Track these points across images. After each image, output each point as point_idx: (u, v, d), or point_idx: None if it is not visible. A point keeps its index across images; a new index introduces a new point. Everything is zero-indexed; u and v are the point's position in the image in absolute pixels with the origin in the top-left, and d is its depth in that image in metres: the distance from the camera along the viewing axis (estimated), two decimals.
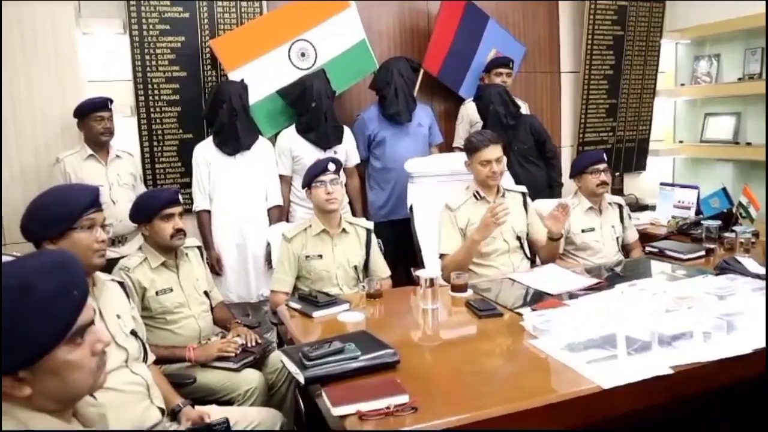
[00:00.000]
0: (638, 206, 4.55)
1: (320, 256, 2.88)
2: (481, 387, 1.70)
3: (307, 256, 2.87)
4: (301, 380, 1.72)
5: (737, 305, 2.04)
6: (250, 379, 2.43)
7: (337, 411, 1.54)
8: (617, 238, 3.32)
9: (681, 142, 5.42)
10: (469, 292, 2.51)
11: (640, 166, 5.30)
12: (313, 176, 2.85)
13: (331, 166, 2.88)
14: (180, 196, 2.64)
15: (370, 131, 3.87)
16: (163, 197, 2.60)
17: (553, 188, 4.02)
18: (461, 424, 1.50)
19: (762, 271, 2.44)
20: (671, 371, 1.70)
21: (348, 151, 3.80)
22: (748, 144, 4.87)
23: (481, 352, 1.95)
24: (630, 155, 5.22)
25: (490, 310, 2.22)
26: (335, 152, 3.68)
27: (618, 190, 4.84)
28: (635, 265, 3.03)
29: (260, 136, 3.62)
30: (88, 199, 1.99)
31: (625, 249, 3.42)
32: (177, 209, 2.59)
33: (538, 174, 4.02)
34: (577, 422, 1.64)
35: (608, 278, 2.63)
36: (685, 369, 1.73)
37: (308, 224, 2.94)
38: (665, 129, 5.49)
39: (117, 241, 3.38)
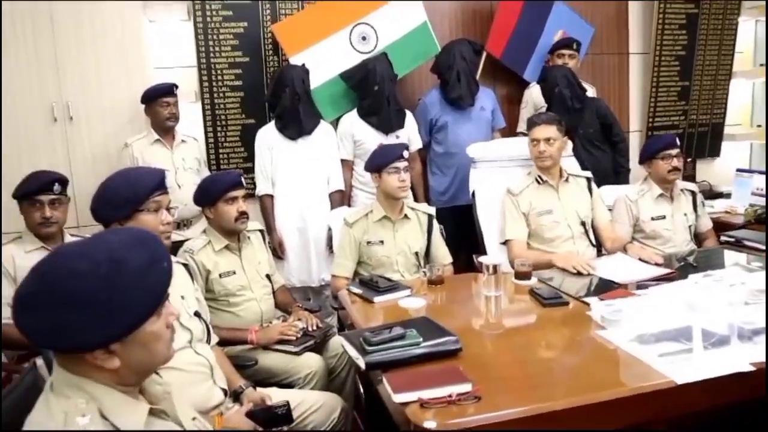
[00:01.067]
0: (712, 194, 4.34)
1: (381, 242, 2.87)
2: (545, 378, 1.65)
3: (368, 242, 2.86)
4: (362, 365, 1.70)
5: None
6: (311, 362, 2.44)
7: (399, 398, 1.52)
8: (689, 227, 3.16)
9: (759, 126, 5.15)
10: (534, 280, 2.45)
11: (714, 151, 5.05)
12: (387, 162, 2.82)
13: (405, 153, 2.86)
14: (243, 180, 2.66)
15: (432, 115, 3.81)
16: (226, 180, 2.63)
17: (620, 174, 3.87)
18: (526, 415, 1.46)
19: None
20: (752, 368, 1.60)
21: (410, 135, 3.75)
22: None
23: (546, 342, 1.89)
24: (703, 140, 4.98)
25: (555, 299, 2.16)
26: (397, 136, 3.65)
27: (690, 177, 4.62)
28: (709, 255, 2.89)
29: (322, 121, 3.61)
30: (155, 182, 2.02)
31: (698, 238, 3.26)
32: (240, 192, 2.61)
33: (604, 159, 3.88)
34: (648, 418, 1.57)
35: (680, 268, 2.52)
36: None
37: (370, 210, 2.92)
38: (742, 112, 5.22)
39: (182, 224, 3.45)
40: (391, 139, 3.58)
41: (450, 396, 1.50)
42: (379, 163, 2.86)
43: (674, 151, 3.06)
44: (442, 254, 2.99)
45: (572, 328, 1.99)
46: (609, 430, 1.52)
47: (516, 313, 2.20)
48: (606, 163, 3.89)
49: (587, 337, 1.88)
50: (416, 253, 2.92)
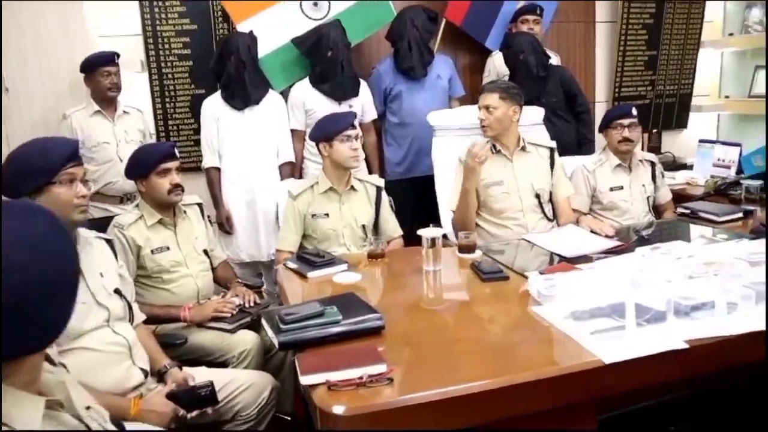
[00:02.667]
0: (675, 165, 4.26)
1: (327, 215, 2.75)
2: (471, 357, 1.55)
3: (313, 215, 2.74)
4: (276, 345, 1.59)
5: None
6: (246, 340, 2.32)
7: (306, 380, 1.42)
8: (648, 198, 3.08)
9: (727, 97, 5.06)
10: (478, 253, 2.34)
11: (681, 123, 4.97)
12: (338, 130, 2.70)
13: (356, 121, 2.73)
14: (177, 151, 2.52)
15: (386, 85, 3.67)
16: (158, 151, 2.48)
17: (583, 145, 3.75)
18: (441, 398, 1.35)
19: None
20: (686, 345, 1.51)
21: (364, 105, 3.61)
22: None
23: (479, 319, 1.79)
24: (670, 111, 4.89)
25: (495, 274, 2.05)
26: (350, 105, 3.51)
27: (655, 148, 4.55)
28: (665, 228, 2.80)
29: (271, 90, 3.46)
30: (68, 152, 1.88)
31: (658, 210, 3.18)
32: (174, 164, 2.46)
33: (568, 130, 3.76)
34: (575, 399, 1.48)
35: (635, 241, 2.43)
36: (703, 344, 1.54)
37: (315, 181, 2.80)
38: (710, 83, 5.13)
39: (125, 198, 3.31)
40: (344, 108, 3.44)
41: (361, 378, 1.39)
42: (328, 131, 2.73)
43: (626, 121, 2.95)
44: (392, 227, 2.88)
45: (509, 304, 1.90)
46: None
47: (454, 289, 2.10)
48: (570, 134, 3.78)
49: (522, 314, 1.78)
50: (363, 226, 2.81)
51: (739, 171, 3.51)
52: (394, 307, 1.92)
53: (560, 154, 3.31)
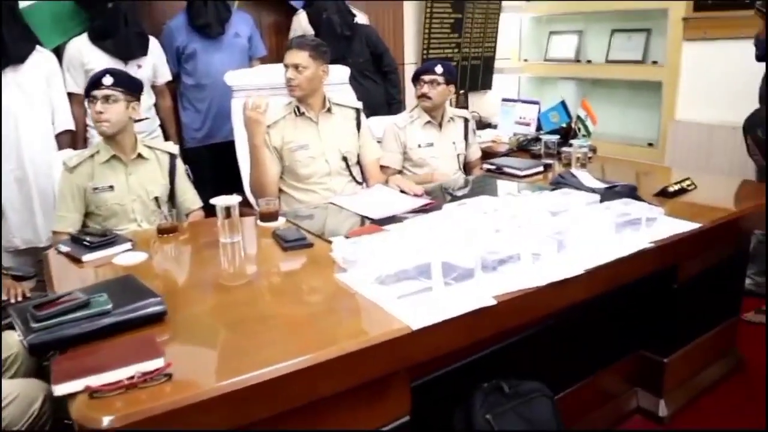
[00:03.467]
0: (481, 125, 4.36)
1: (111, 188, 2.39)
2: (271, 336, 1.36)
3: (95, 188, 2.37)
4: (26, 347, 1.29)
5: (569, 222, 1.82)
6: (10, 343, 1.93)
7: (61, 389, 1.13)
8: (458, 156, 3.07)
9: (526, 60, 5.33)
10: (281, 221, 2.15)
11: (486, 84, 5.12)
12: (87, 90, 2.32)
13: (107, 79, 2.31)
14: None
15: (179, 43, 3.30)
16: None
17: (392, 106, 3.69)
18: (230, 390, 1.15)
19: (598, 184, 2.28)
20: (494, 302, 1.44)
21: (156, 65, 3.22)
22: (589, 62, 4.88)
23: (280, 292, 1.59)
24: (476, 73, 5.01)
25: (297, 241, 1.87)
26: (139, 66, 3.11)
27: (462, 108, 4.62)
28: (473, 184, 2.80)
29: (39, 47, 2.95)
30: None
31: (468, 168, 3.20)
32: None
33: (376, 90, 3.68)
34: (386, 369, 1.35)
35: (444, 198, 2.38)
36: (511, 297, 1.49)
37: (96, 150, 2.42)
38: (511, 47, 5.34)
39: None
40: (131, 69, 3.03)
41: (132, 378, 1.15)
42: (86, 88, 2.36)
43: (427, 77, 2.91)
44: (190, 198, 2.59)
45: (312, 273, 1.73)
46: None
47: (254, 262, 1.88)
48: (378, 95, 3.70)
49: (326, 283, 1.61)
50: (156, 199, 2.48)
51: (539, 128, 3.64)
52: (185, 287, 1.67)
53: (369, 115, 3.22)
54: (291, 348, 1.28)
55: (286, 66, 2.59)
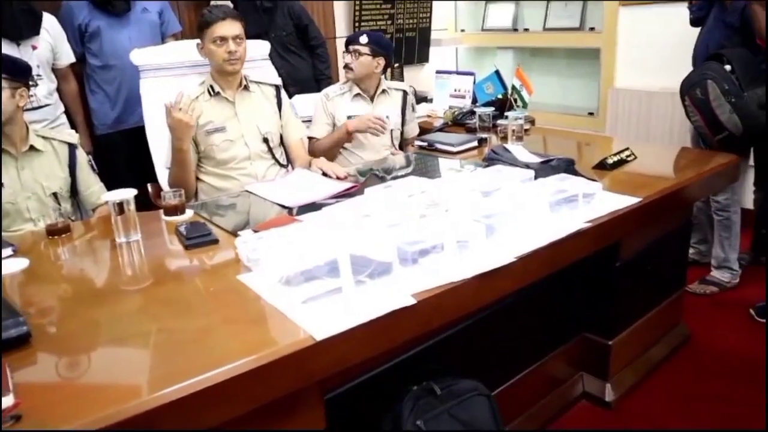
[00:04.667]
0: (417, 99, 4.15)
1: (0, 185, 2.12)
2: (145, 359, 1.14)
3: None
4: None
5: (501, 203, 1.66)
6: None
7: None
8: (392, 131, 2.88)
9: (463, 30, 5.16)
10: (188, 214, 1.93)
11: (423, 57, 4.92)
12: None
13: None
14: None
15: (80, 20, 2.99)
16: None
17: (321, 82, 3.46)
18: (95, 428, 0.94)
19: (533, 159, 2.13)
20: (413, 301, 1.27)
21: (55, 45, 2.91)
22: (526, 30, 4.74)
23: (170, 301, 1.37)
24: (411, 45, 4.81)
25: (200, 238, 1.65)
26: (34, 47, 2.80)
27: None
28: (403, 164, 2.62)
29: None
30: None
31: (404, 145, 3.02)
32: None
33: (302, 66, 3.45)
34: (292, 385, 1.16)
35: (368, 180, 2.20)
36: (433, 295, 1.31)
37: None
38: (448, 17, 5.16)
39: None
40: (26, 51, 2.73)
41: None
42: None
43: (351, 47, 2.75)
44: (96, 192, 2.33)
45: (213, 275, 1.52)
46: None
47: (151, 264, 1.64)
48: (304, 70, 3.48)
49: (226, 287, 1.40)
50: (55, 195, 2.23)
51: (474, 100, 3.48)
52: (66, 299, 1.44)
53: (297, 92, 3.01)
54: (178, 370, 1.07)
55: (224, 38, 2.34)
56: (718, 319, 2.72)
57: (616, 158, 2.24)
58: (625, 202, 1.84)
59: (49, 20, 2.89)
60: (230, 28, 2.36)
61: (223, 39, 2.35)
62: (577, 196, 1.75)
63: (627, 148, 2.34)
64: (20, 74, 2.13)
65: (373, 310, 1.21)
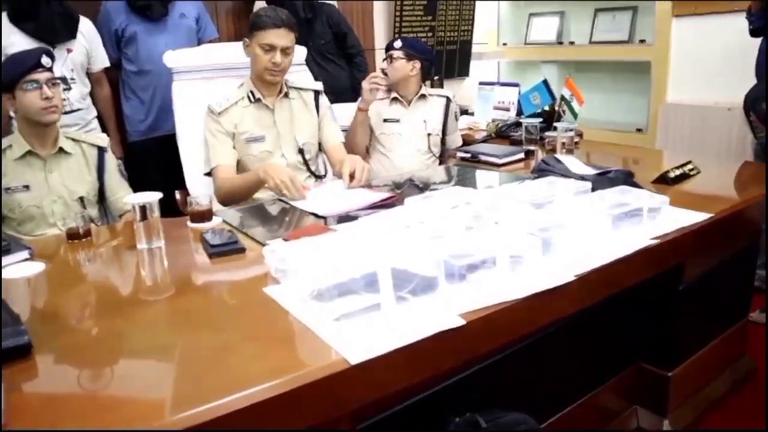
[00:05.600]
0: (460, 113, 4.04)
1: (27, 188, 2.06)
2: (157, 379, 1.01)
3: (7, 189, 2.04)
4: None
5: (556, 216, 1.50)
6: None
7: None
8: (429, 135, 2.77)
9: (505, 44, 5.02)
10: (216, 221, 1.81)
11: (464, 71, 4.79)
12: (19, 74, 1.97)
13: (46, 60, 2.02)
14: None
15: (117, 25, 2.93)
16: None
17: (358, 91, 3.35)
18: None
19: (588, 171, 1.96)
20: (462, 321, 1.11)
21: (90, 50, 2.85)
22: (572, 43, 4.59)
23: (189, 315, 1.24)
24: (452, 59, 4.68)
25: (225, 246, 1.53)
26: (69, 50, 2.75)
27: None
28: (444, 175, 2.48)
29: None
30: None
31: (446, 157, 2.90)
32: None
33: (340, 74, 3.35)
34: (323, 415, 1.01)
35: (407, 190, 2.06)
36: (483, 315, 1.16)
37: (8, 145, 2.08)
38: (489, 31, 5.03)
39: None
40: (60, 54, 2.68)
41: None
42: (9, 76, 2.00)
43: (387, 53, 2.75)
44: (123, 198, 2.24)
45: (239, 286, 1.39)
46: None
47: (174, 273, 1.51)
48: (343, 79, 3.38)
49: (252, 299, 1.27)
50: (81, 199, 2.15)
51: (519, 112, 3.33)
52: (78, 308, 1.33)
53: (333, 101, 2.90)
54: (187, 394, 0.94)
55: (272, 46, 2.23)
56: None
57: (678, 172, 2.06)
58: (693, 218, 1.66)
59: (85, 24, 2.83)
60: (283, 38, 2.24)
61: (272, 47, 2.23)
62: (640, 210, 1.58)
63: (689, 162, 2.16)
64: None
65: (417, 331, 1.06)
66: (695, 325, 1.99)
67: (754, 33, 2.80)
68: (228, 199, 2.25)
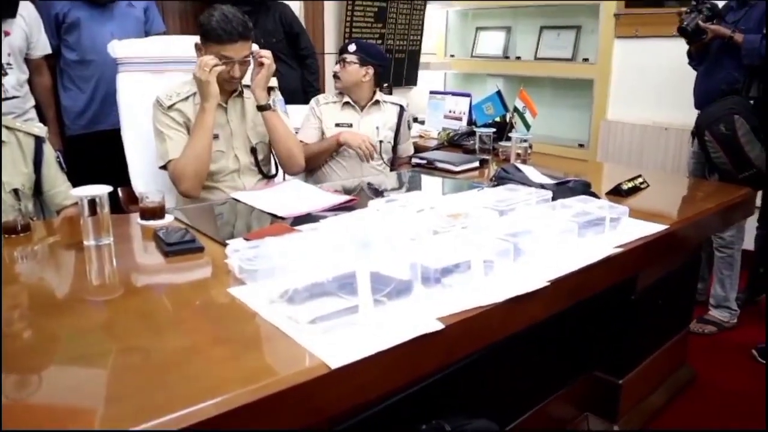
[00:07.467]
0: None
1: None
2: (108, 387, 0.93)
3: None
4: None
5: (523, 222, 1.50)
6: None
7: None
8: (381, 142, 2.74)
9: (452, 56, 5.07)
10: (168, 219, 1.71)
11: (411, 80, 4.80)
12: None
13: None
14: None
15: (58, 9, 2.77)
16: None
17: (309, 93, 3.30)
18: None
19: (546, 180, 1.98)
20: (442, 326, 1.08)
21: (30, 34, 2.69)
22: (518, 58, 4.67)
23: (145, 316, 1.15)
24: (400, 67, 4.68)
25: (182, 244, 1.45)
26: (6, 33, 2.58)
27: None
28: (401, 179, 2.46)
29: None
30: None
31: (396, 165, 2.87)
32: None
33: (291, 75, 3.28)
34: (297, 422, 0.96)
35: (366, 193, 2.02)
36: (462, 319, 1.13)
37: None
38: (437, 42, 5.07)
39: None
40: None
41: None
42: None
43: (340, 56, 2.73)
44: (62, 192, 2.11)
45: (199, 287, 1.32)
46: None
47: (125, 272, 1.42)
48: (293, 80, 3.31)
49: (216, 301, 1.20)
50: (15, 191, 2.00)
51: (470, 122, 3.35)
52: (17, 307, 1.22)
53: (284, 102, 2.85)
54: (147, 402, 0.86)
55: (228, 58, 2.10)
56: (720, 359, 2.59)
57: (630, 184, 2.11)
58: (649, 229, 1.69)
59: (27, 7, 2.68)
60: (240, 50, 2.12)
61: (230, 59, 2.12)
62: (602, 219, 1.60)
63: (640, 175, 2.21)
64: None
65: (398, 334, 1.02)
66: (645, 334, 2.03)
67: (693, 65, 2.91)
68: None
